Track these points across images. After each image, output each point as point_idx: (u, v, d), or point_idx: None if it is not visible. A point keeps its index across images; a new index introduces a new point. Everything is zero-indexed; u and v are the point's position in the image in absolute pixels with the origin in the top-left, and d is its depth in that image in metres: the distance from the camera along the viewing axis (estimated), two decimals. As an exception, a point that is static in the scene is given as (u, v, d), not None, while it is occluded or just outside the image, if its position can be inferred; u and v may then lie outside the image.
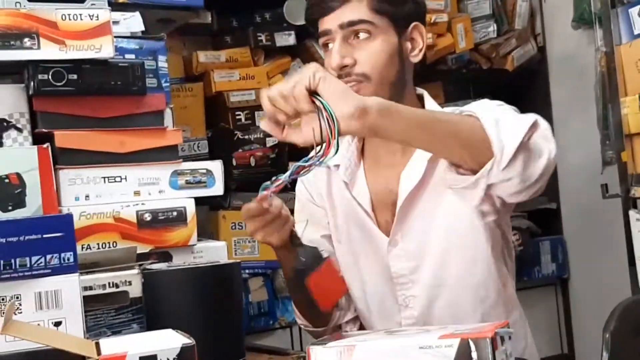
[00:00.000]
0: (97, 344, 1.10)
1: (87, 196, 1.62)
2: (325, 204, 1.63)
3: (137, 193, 1.67)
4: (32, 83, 1.58)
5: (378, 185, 1.55)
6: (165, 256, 1.67)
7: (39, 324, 1.17)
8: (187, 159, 1.75)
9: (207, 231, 2.41)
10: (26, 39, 1.54)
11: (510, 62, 3.28)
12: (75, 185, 1.62)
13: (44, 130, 1.61)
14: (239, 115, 2.63)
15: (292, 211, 1.54)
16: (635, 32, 2.43)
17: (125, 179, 1.66)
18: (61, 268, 1.20)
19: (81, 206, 1.61)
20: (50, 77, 1.58)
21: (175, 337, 1.11)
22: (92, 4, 1.72)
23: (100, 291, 1.46)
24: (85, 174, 1.62)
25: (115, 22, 1.71)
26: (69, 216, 1.25)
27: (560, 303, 3.41)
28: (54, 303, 1.19)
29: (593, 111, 2.75)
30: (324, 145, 1.16)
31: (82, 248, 1.56)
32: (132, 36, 1.77)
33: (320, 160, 1.19)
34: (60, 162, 1.60)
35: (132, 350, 1.03)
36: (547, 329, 3.33)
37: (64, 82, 1.59)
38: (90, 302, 1.39)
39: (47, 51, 1.55)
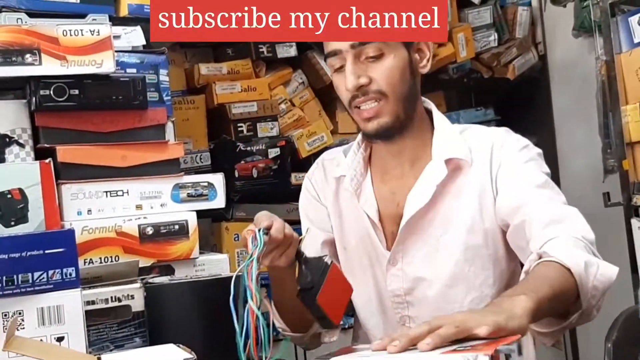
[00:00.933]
0: (99, 359, 1.10)
1: (89, 210, 1.63)
2: (330, 209, 1.61)
3: (139, 207, 1.67)
4: (33, 99, 1.59)
5: (385, 196, 1.52)
6: (168, 269, 1.67)
7: (41, 340, 1.17)
8: (189, 171, 1.76)
9: (210, 243, 2.42)
10: (28, 55, 1.55)
11: (511, 71, 3.28)
12: (77, 200, 1.62)
13: (46, 145, 1.62)
14: (241, 127, 2.64)
15: (294, 222, 1.52)
16: (635, 41, 2.43)
17: (127, 192, 1.66)
18: (63, 283, 1.21)
19: (83, 221, 1.61)
20: (52, 92, 1.59)
21: (176, 352, 1.12)
22: (93, 19, 1.73)
23: (103, 305, 1.46)
24: (87, 188, 1.63)
25: (117, 37, 1.72)
26: (71, 231, 1.26)
27: (563, 312, 3.39)
28: (57, 318, 1.20)
29: (595, 119, 2.74)
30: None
31: (85, 262, 1.56)
32: (134, 50, 1.79)
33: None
34: (62, 177, 1.61)
35: (134, 366, 1.04)
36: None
37: (65, 97, 1.60)
38: (93, 317, 1.40)
39: (49, 67, 1.57)
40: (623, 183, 2.49)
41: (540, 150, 1.51)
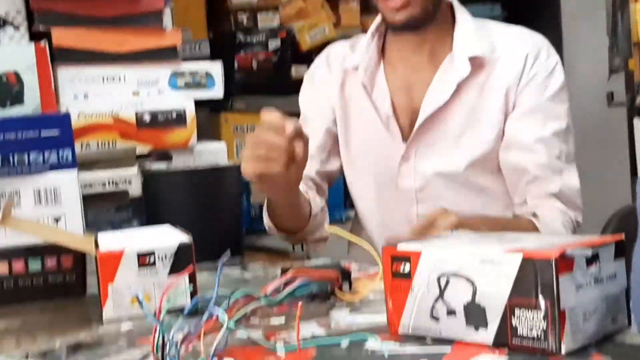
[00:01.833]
0: (96, 240, 1.11)
1: (85, 95, 1.62)
2: (334, 101, 1.56)
3: (136, 93, 1.66)
4: (28, -21, 1.56)
5: (400, 88, 1.49)
6: (165, 157, 1.68)
7: (38, 220, 1.18)
8: (187, 60, 1.74)
9: (209, 133, 2.42)
10: None
11: (520, -33, 3.21)
12: (73, 84, 1.61)
13: (41, 28, 1.60)
14: (241, 17, 2.61)
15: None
16: (650, -64, 2.37)
17: (124, 78, 1.65)
18: (60, 165, 1.21)
19: (80, 105, 1.61)
20: (46, -27, 1.56)
21: (173, 234, 1.13)
22: None
23: (100, 189, 1.48)
24: (84, 72, 1.62)
25: None
26: (67, 115, 1.26)
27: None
28: (53, 199, 1.20)
29: (603, 19, 2.71)
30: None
31: (82, 147, 1.56)
32: None
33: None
34: (58, 60, 1.59)
35: (130, 246, 1.05)
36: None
37: (60, -22, 1.57)
38: (91, 201, 1.41)
39: (43, -54, 1.53)
40: (628, 83, 2.49)
41: (563, 77, 1.48)
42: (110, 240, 1.10)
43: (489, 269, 0.80)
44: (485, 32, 1.46)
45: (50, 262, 1.19)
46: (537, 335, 0.77)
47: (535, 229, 1.35)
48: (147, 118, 1.65)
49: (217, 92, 1.75)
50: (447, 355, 0.79)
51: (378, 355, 0.81)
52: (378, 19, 1.51)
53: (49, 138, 1.21)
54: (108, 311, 1.04)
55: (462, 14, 1.48)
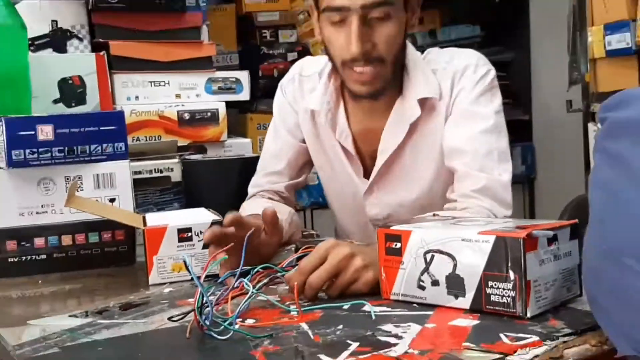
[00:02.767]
0: (144, 218, 1.12)
1: (136, 97, 1.62)
2: (305, 126, 1.37)
3: (178, 96, 1.66)
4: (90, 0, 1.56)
5: (360, 130, 1.31)
6: (201, 149, 1.68)
7: (97, 200, 1.19)
8: (219, 69, 1.73)
9: (237, 130, 2.41)
10: (85, -38, 1.51)
11: (496, -6, 3.19)
12: (127, 88, 1.61)
13: (100, 40, 1.59)
14: (265, 33, 2.60)
15: None
16: (605, -29, 2.34)
17: (168, 83, 1.65)
18: (115, 155, 1.21)
19: (132, 105, 1.61)
20: (105, -5, 1.56)
21: (206, 214, 1.13)
22: None
23: (147, 176, 1.48)
24: (135, 78, 1.61)
25: (161, -50, 1.66)
26: (121, 112, 1.26)
27: (527, 199, 3.43)
28: (109, 183, 1.21)
29: (565, 38, 2.69)
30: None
31: (133, 140, 1.56)
32: (176, -39, 1.73)
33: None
34: (114, 67, 1.59)
35: (172, 223, 1.06)
36: (514, 219, 3.36)
37: (117, -1, 1.57)
38: (139, 185, 1.41)
39: (103, -27, 1.52)
40: (584, 93, 2.47)
41: (494, 74, 1.27)
42: (155, 218, 1.11)
43: (467, 247, 0.80)
44: (429, 69, 1.26)
45: (106, 236, 1.20)
46: (507, 302, 0.77)
47: None
48: (186, 116, 1.65)
49: (244, 95, 1.75)
50: (431, 318, 0.79)
51: (372, 316, 0.81)
52: (329, 62, 1.27)
53: (106, 132, 1.21)
54: (153, 277, 1.04)
55: (411, 55, 1.27)
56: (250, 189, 1.40)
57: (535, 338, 0.70)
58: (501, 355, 0.66)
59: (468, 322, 0.77)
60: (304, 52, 2.60)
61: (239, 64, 2.51)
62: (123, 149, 1.22)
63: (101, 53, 1.55)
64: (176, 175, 1.49)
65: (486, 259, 0.78)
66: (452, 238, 0.81)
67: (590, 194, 0.70)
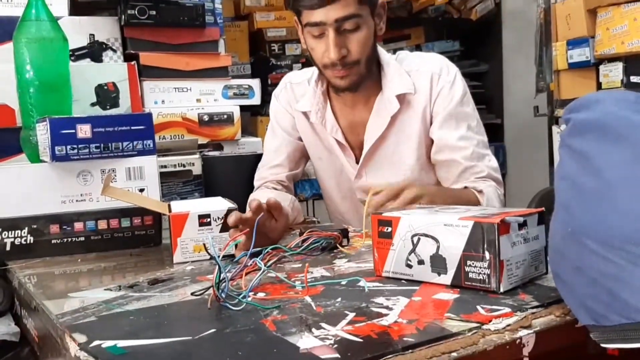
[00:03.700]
0: (169, 205, 1.11)
1: (162, 101, 1.62)
2: (301, 124, 1.40)
3: (198, 100, 1.66)
4: (123, 16, 1.55)
5: (347, 125, 1.35)
6: (218, 147, 1.68)
7: (128, 189, 1.18)
8: (234, 77, 1.73)
9: (249, 131, 2.41)
10: (119, -16, 1.50)
11: (474, 14, 3.18)
12: (154, 93, 1.61)
13: (132, 51, 1.59)
14: (274, 46, 2.59)
15: None
16: (567, -6, 2.34)
17: (190, 89, 1.65)
18: (144, 151, 1.20)
19: (158, 108, 1.60)
20: (136, 12, 1.55)
21: (223, 202, 1.13)
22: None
23: (172, 169, 1.48)
24: (161, 84, 1.61)
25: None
26: (150, 114, 1.25)
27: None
28: (139, 175, 1.20)
29: (533, 52, 2.68)
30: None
31: (159, 138, 1.56)
32: (196, -16, 1.72)
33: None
34: (143, 75, 1.59)
35: (193, 210, 1.05)
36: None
37: (146, 16, 1.56)
38: (165, 177, 1.41)
39: (134, -7, 1.51)
40: (549, 100, 2.47)
41: (459, 72, 1.32)
42: (179, 206, 1.10)
43: (449, 231, 0.80)
44: (403, 69, 1.30)
45: (136, 221, 1.19)
46: (483, 279, 0.77)
47: (477, 200, 1.25)
48: (206, 118, 1.65)
49: (256, 100, 1.75)
50: (417, 292, 0.79)
51: (366, 290, 0.81)
52: (315, 71, 1.34)
53: (137, 131, 1.20)
54: (177, 256, 1.04)
55: (385, 56, 1.31)
56: (256, 182, 1.41)
57: (507, 310, 0.70)
58: (478, 324, 0.66)
59: (449, 296, 0.77)
60: (307, 63, 2.59)
61: (251, 73, 2.50)
62: (151, 146, 1.21)
63: (132, 63, 1.55)
64: (197, 169, 1.48)
65: (465, 241, 0.78)
66: (436, 223, 0.81)
67: (556, 184, 0.70)
